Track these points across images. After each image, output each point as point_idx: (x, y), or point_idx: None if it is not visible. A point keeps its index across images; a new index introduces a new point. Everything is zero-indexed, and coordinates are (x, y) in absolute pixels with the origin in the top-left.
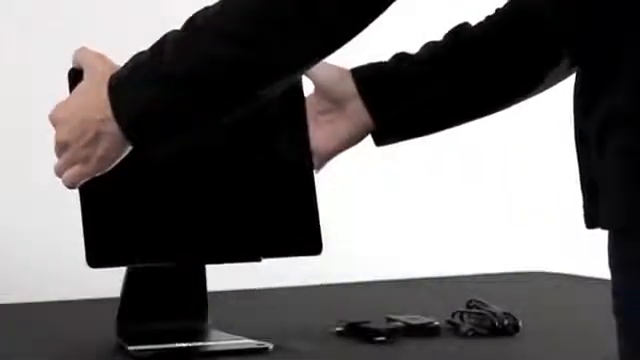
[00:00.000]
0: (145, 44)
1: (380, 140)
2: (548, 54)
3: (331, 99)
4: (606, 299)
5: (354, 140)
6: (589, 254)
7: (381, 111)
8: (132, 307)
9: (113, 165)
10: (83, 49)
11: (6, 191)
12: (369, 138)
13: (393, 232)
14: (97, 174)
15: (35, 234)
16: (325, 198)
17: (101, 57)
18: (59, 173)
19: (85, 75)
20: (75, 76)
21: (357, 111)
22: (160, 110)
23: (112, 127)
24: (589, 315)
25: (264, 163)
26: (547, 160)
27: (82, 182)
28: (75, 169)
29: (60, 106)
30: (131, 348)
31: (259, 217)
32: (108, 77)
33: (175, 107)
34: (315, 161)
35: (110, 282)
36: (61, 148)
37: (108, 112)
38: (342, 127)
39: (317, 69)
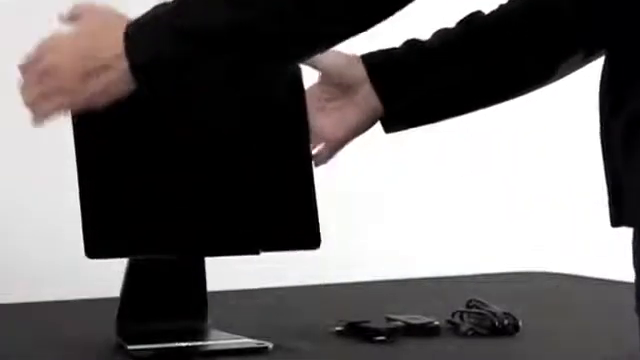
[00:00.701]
0: None
1: (389, 127)
2: (563, 44)
3: (339, 85)
4: (606, 299)
5: (363, 127)
6: (589, 254)
7: (391, 96)
8: (132, 306)
9: (106, 103)
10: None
11: (5, 189)
12: (369, 140)
13: (393, 232)
14: (87, 108)
15: (34, 234)
16: (324, 197)
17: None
18: (35, 101)
19: (88, 18)
20: None
21: (366, 97)
22: (172, 60)
23: (122, 65)
24: (589, 315)
25: (263, 157)
26: (549, 158)
27: (58, 115)
28: (62, 100)
29: (61, 35)
30: (131, 347)
31: (258, 211)
32: (122, 20)
33: (186, 60)
34: (325, 151)
35: (109, 282)
36: (46, 74)
37: (120, 50)
38: (351, 114)
39: (325, 55)
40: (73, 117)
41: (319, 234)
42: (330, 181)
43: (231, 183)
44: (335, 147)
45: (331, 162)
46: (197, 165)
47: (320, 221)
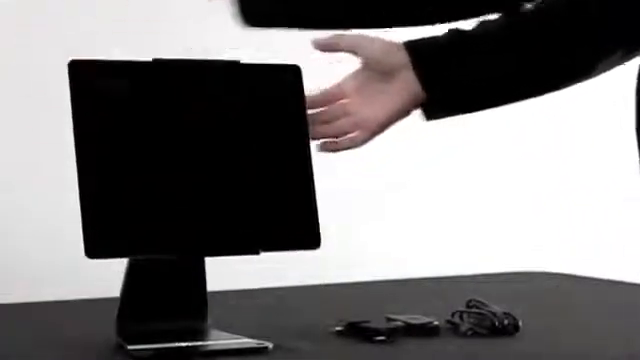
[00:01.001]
0: (146, 42)
1: (429, 114)
2: (602, 43)
3: (381, 71)
4: (606, 299)
5: (402, 113)
6: (589, 254)
7: (433, 82)
8: (132, 306)
9: None
10: None
11: (5, 189)
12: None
13: (393, 232)
14: None
15: (34, 234)
16: (324, 197)
17: None
18: None
19: None
20: (75, 69)
21: (408, 82)
22: None
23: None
24: (589, 315)
25: (263, 157)
26: (549, 159)
27: None
28: None
29: None
30: (131, 347)
31: (258, 211)
32: None
33: None
34: (361, 133)
35: (109, 282)
36: None
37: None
38: (392, 98)
39: (367, 41)
40: (73, 117)
41: (319, 234)
42: (330, 181)
43: (231, 183)
44: (374, 131)
45: (331, 162)
46: (197, 165)
47: (320, 221)
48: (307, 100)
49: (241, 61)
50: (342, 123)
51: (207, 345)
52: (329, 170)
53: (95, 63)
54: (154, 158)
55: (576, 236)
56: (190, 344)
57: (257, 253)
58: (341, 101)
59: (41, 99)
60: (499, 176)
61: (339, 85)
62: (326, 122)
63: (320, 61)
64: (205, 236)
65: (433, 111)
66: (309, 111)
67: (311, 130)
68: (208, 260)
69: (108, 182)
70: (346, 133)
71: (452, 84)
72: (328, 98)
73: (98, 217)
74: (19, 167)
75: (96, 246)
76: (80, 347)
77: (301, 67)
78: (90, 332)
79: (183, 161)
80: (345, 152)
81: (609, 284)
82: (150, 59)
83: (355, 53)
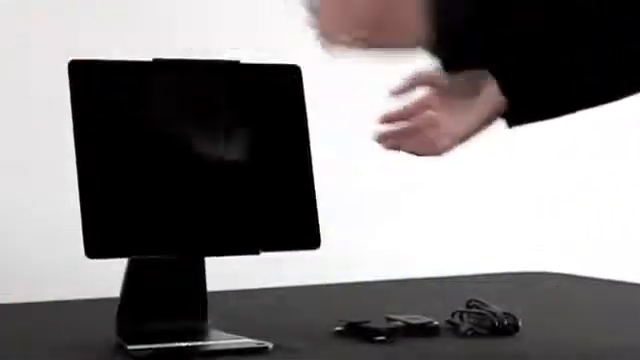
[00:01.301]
0: (146, 42)
1: (512, 121)
2: None
3: (464, 82)
4: (606, 299)
5: (486, 122)
6: (589, 254)
7: (514, 87)
8: (132, 306)
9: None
10: None
11: (5, 189)
12: (371, 140)
13: (393, 232)
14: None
15: (34, 234)
16: (325, 196)
17: None
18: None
19: None
20: (75, 69)
21: (491, 92)
22: None
23: None
24: (589, 315)
25: (263, 157)
26: (549, 159)
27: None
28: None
29: None
30: (130, 347)
31: (258, 211)
32: None
33: None
34: (445, 140)
35: (109, 282)
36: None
37: None
38: (476, 109)
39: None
40: (73, 117)
41: (319, 234)
42: (330, 181)
43: (231, 183)
44: (458, 141)
45: (331, 162)
46: (197, 165)
47: (320, 221)
48: (395, 113)
49: (241, 61)
50: (429, 133)
51: (207, 345)
52: (330, 170)
53: (95, 63)
54: (154, 158)
55: (576, 236)
56: (190, 344)
57: (257, 253)
58: (427, 112)
59: (41, 99)
60: (499, 176)
61: (424, 97)
62: (413, 133)
63: (320, 61)
64: (205, 236)
65: (515, 119)
66: (397, 124)
67: (399, 141)
68: (208, 260)
69: (108, 182)
70: (432, 142)
71: (533, 90)
72: (414, 110)
73: (98, 217)
74: (19, 167)
75: (96, 246)
76: (80, 347)
77: (301, 67)
78: (90, 332)
79: (183, 161)
80: (344, 153)
81: (609, 284)
82: (150, 59)
83: (434, 85)
